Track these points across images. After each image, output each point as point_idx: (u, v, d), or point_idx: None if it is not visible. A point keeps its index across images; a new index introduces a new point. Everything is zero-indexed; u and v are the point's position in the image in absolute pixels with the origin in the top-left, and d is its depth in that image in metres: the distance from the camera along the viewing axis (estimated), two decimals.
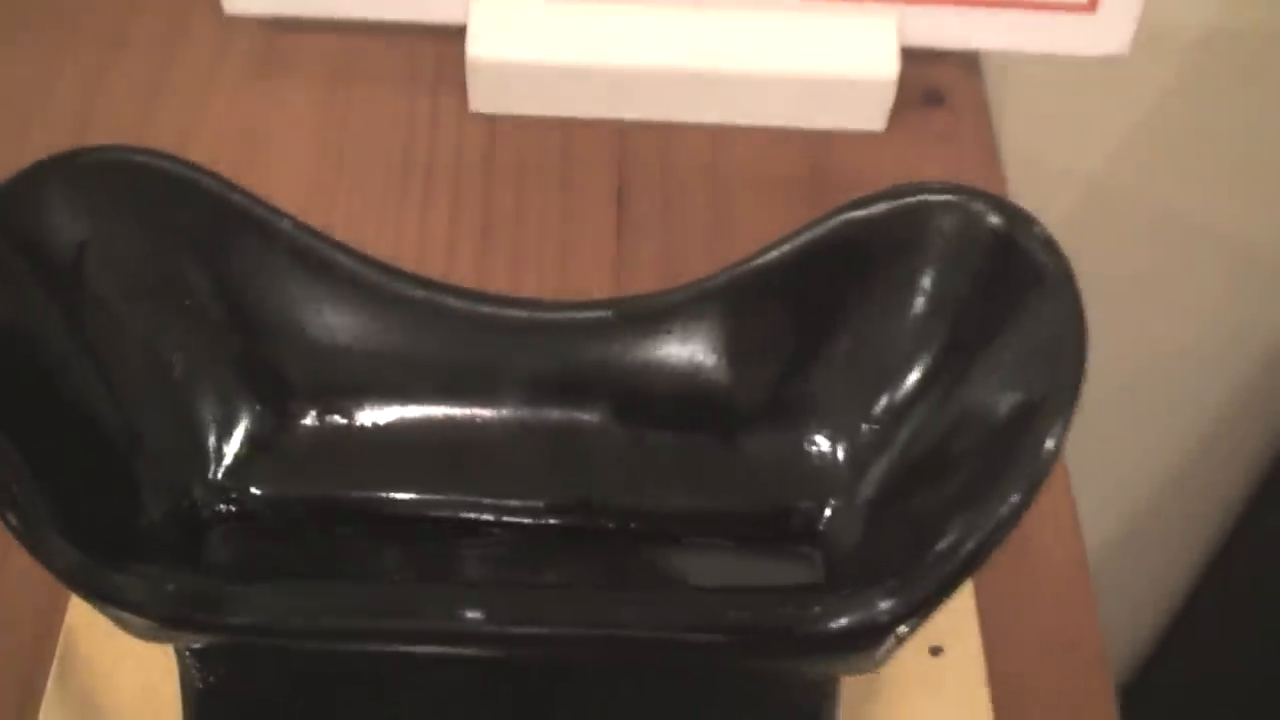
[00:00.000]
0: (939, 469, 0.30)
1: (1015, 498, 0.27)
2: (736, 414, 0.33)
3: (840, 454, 0.32)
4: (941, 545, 0.28)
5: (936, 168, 0.50)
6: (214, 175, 0.31)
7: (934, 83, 0.52)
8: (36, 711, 0.36)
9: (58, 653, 0.37)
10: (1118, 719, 0.41)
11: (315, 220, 0.47)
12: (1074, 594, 0.42)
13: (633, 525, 0.33)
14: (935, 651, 0.38)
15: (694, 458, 0.33)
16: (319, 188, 0.48)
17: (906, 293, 0.31)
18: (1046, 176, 0.67)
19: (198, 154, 0.48)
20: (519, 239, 0.47)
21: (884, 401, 0.32)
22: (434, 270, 0.45)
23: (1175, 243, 0.71)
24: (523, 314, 0.32)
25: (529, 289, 0.45)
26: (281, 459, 0.32)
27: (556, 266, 0.46)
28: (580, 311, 0.32)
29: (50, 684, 0.36)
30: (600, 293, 0.46)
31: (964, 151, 0.51)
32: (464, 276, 0.46)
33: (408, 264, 0.46)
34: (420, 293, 0.32)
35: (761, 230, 0.48)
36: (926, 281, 0.31)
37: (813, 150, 0.50)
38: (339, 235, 0.47)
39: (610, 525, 0.33)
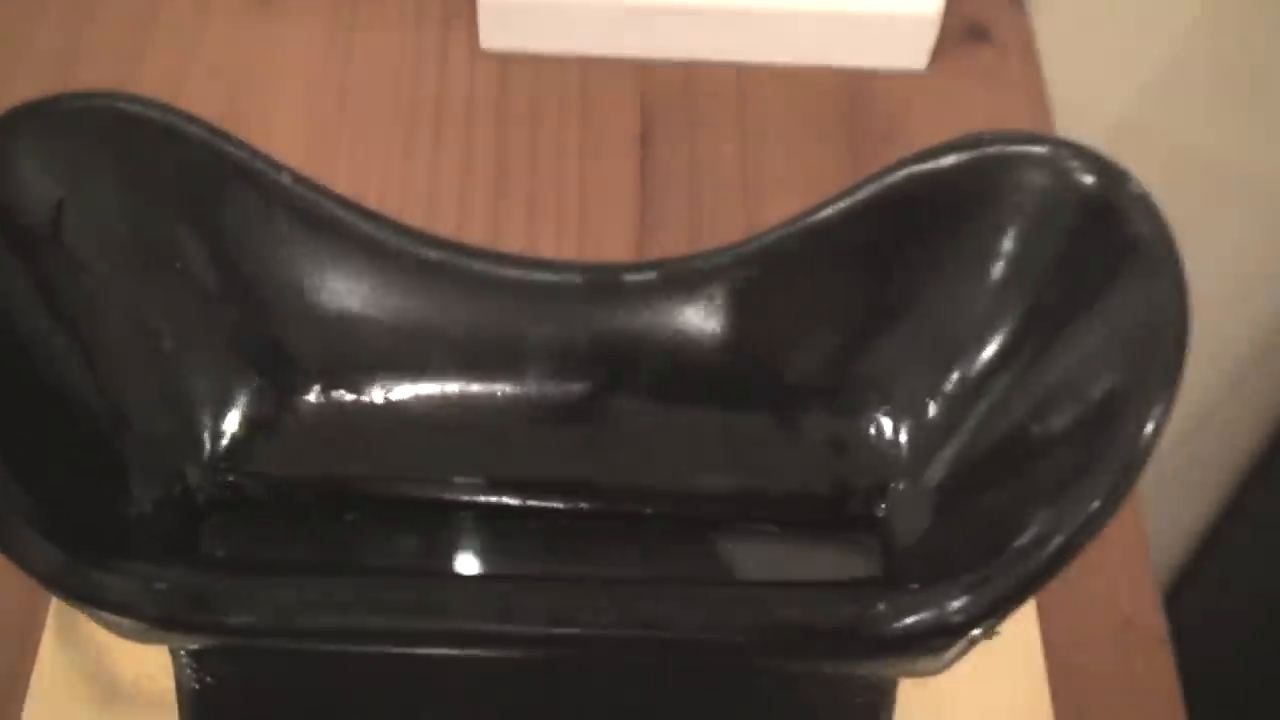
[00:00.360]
0: (1019, 454, 0.27)
1: (1108, 490, 0.24)
2: (787, 388, 0.29)
3: (904, 433, 0.29)
4: (1023, 540, 0.25)
5: (982, 109, 0.47)
6: (204, 124, 0.28)
7: (978, 17, 0.49)
8: (20, 711, 0.33)
9: (44, 639, 0.34)
10: (1182, 699, 0.38)
11: (316, 167, 0.44)
12: (1131, 571, 0.40)
13: (671, 510, 0.30)
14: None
15: (739, 436, 0.30)
16: (320, 132, 0.45)
17: (981, 257, 0.28)
18: (1068, 114, 0.64)
19: (189, 95, 0.46)
20: (535, 187, 0.44)
21: (954, 377, 0.29)
22: (445, 221, 0.43)
23: (1208, 184, 0.68)
24: (549, 277, 0.29)
25: (546, 241, 0.42)
26: (283, 439, 0.29)
27: (576, 216, 0.43)
28: (612, 274, 0.29)
29: (36, 675, 0.33)
30: (624, 245, 0.43)
31: (1011, 91, 0.47)
32: (476, 228, 0.43)
33: (416, 214, 0.43)
34: (435, 254, 0.29)
35: (795, 176, 0.45)
36: (1005, 244, 0.28)
37: (849, 90, 0.47)
38: (341, 183, 0.43)
39: (647, 510, 0.30)
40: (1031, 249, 0.27)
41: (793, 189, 0.45)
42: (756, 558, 0.29)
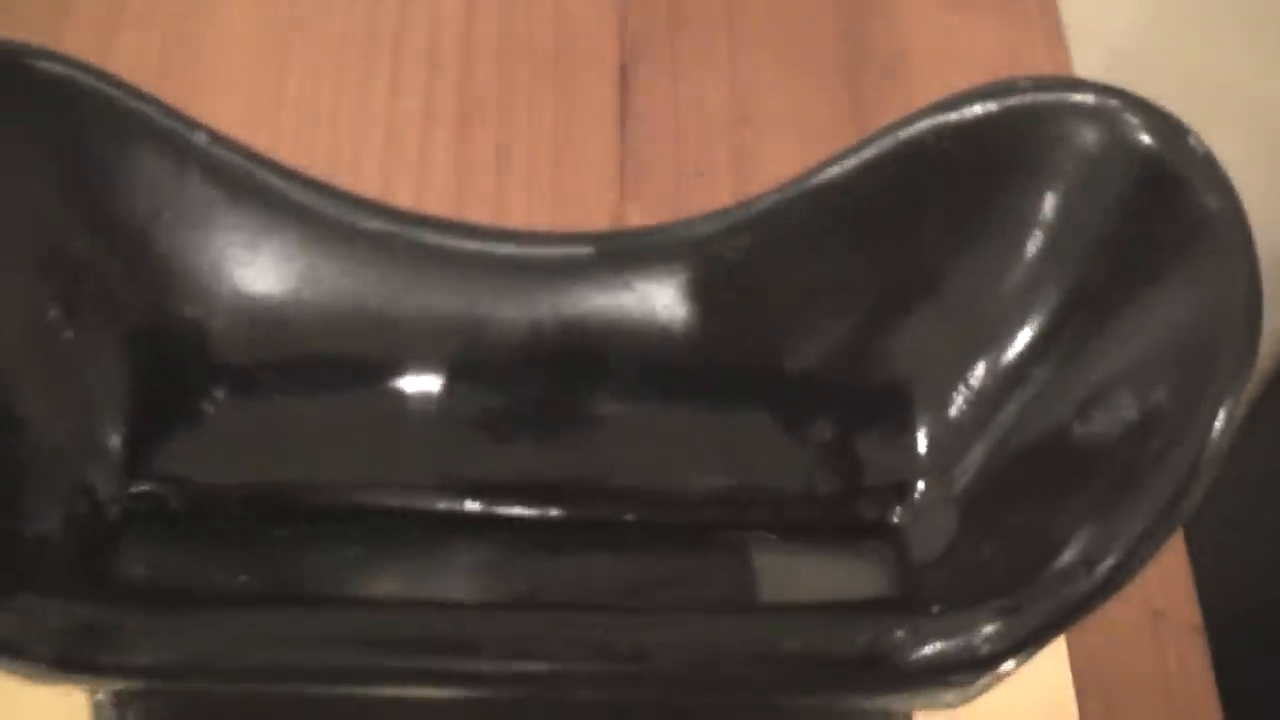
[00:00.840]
0: (1061, 458, 0.23)
1: (1169, 501, 0.21)
2: (788, 377, 0.26)
3: (924, 430, 0.25)
4: (1067, 559, 0.21)
5: (995, 40, 0.43)
6: (106, 76, 0.24)
7: None
8: None
9: None
10: (1217, 693, 0.35)
11: (260, 112, 0.40)
12: (1163, 557, 0.36)
13: (656, 516, 0.26)
14: None
15: (733, 431, 0.26)
16: (264, 72, 0.41)
17: (1015, 227, 0.24)
18: (1072, 38, 0.60)
19: (124, 34, 0.41)
20: (504, 129, 0.40)
21: (984, 367, 0.25)
22: (404, 172, 0.39)
23: (1215, 109, 0.64)
24: (512, 251, 0.25)
25: (516, 194, 0.39)
26: (207, 441, 0.25)
27: (548, 164, 0.39)
28: (584, 246, 0.25)
29: None
30: (603, 197, 0.39)
31: (1025, 20, 0.43)
32: (438, 179, 0.39)
33: (370, 167, 0.39)
34: (380, 225, 0.25)
35: (790, 115, 0.41)
36: (1043, 213, 0.24)
37: (848, 19, 0.43)
38: (286, 132, 0.40)
39: (627, 517, 0.26)
40: (1075, 219, 0.23)
41: (787, 128, 0.41)
42: (753, 570, 0.25)
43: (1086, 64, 0.61)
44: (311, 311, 0.25)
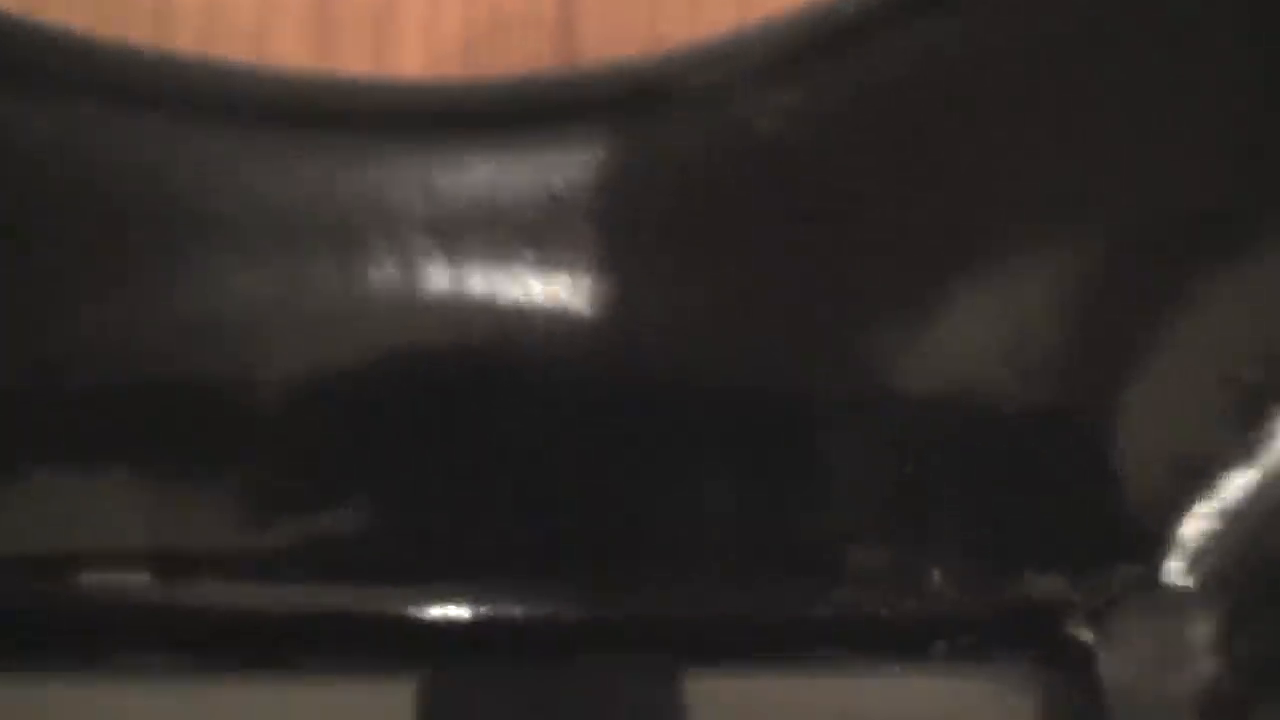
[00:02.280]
0: None
1: None
2: (875, 374, 0.15)
3: (1151, 496, 0.15)
4: None
5: None
6: None
7: None
8: None
9: None
10: None
11: None
12: None
13: (692, 628, 0.16)
14: None
15: (788, 471, 0.15)
16: None
17: None
18: None
19: None
20: None
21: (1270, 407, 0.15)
22: None
23: None
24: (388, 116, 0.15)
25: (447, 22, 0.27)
26: None
27: None
28: (505, 105, 0.15)
29: None
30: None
31: None
32: None
33: None
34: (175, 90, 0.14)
35: None
36: None
37: None
38: None
39: (649, 621, 0.16)
40: None
41: None
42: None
43: None
44: (97, 276, 0.14)
